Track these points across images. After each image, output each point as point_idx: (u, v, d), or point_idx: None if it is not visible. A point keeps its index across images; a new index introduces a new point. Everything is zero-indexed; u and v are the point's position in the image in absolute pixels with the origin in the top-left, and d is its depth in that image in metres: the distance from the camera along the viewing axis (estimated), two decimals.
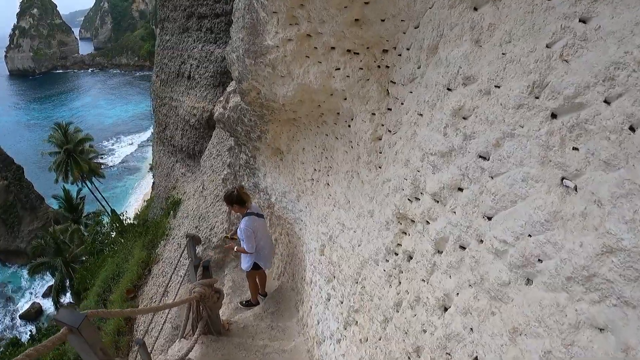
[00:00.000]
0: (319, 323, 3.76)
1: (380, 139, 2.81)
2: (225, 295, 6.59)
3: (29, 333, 27.83)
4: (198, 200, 10.93)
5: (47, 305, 38.20)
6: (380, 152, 2.81)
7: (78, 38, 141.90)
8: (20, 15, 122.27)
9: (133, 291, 9.16)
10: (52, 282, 35.83)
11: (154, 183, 27.13)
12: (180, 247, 8.77)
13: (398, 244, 2.45)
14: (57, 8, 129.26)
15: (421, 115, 2.17)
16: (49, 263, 34.04)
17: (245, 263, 5.28)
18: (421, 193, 2.15)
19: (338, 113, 3.34)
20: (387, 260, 2.55)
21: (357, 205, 3.17)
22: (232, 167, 6.46)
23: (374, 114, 2.83)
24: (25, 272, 39.43)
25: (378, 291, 2.62)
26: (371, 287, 2.74)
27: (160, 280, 8.99)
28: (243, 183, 6.21)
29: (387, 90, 2.69)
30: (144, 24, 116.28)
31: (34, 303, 40.76)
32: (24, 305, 41.48)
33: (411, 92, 2.32)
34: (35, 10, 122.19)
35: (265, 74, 3.47)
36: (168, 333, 7.13)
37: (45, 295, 40.48)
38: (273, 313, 5.31)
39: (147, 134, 65.47)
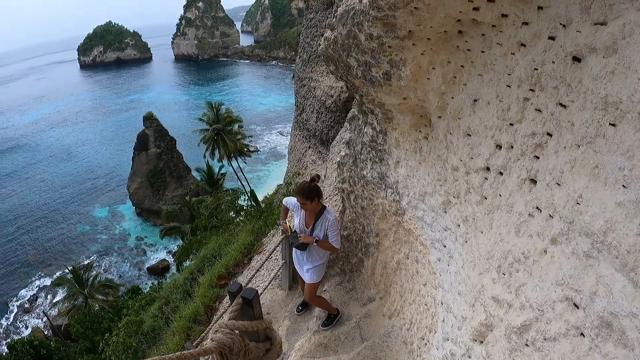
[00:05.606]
0: None
1: None
2: (310, 330, 4.59)
3: (149, 284, 30.33)
4: None
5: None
6: None
7: (239, 31, 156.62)
8: (186, 7, 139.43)
9: (225, 278, 7.95)
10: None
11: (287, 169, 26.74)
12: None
13: None
14: (221, 2, 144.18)
15: None
16: (179, 228, 37.01)
17: (319, 270, 4.46)
18: None
19: None
20: None
21: None
22: (351, 146, 4.45)
23: None
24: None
25: None
26: None
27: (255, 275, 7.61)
28: (364, 172, 4.26)
29: None
30: (302, 21, 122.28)
31: (163, 259, 45.05)
32: (153, 260, 46.15)
33: None
34: (201, 3, 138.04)
35: None
36: None
37: (175, 255, 44.42)
38: None
39: None
